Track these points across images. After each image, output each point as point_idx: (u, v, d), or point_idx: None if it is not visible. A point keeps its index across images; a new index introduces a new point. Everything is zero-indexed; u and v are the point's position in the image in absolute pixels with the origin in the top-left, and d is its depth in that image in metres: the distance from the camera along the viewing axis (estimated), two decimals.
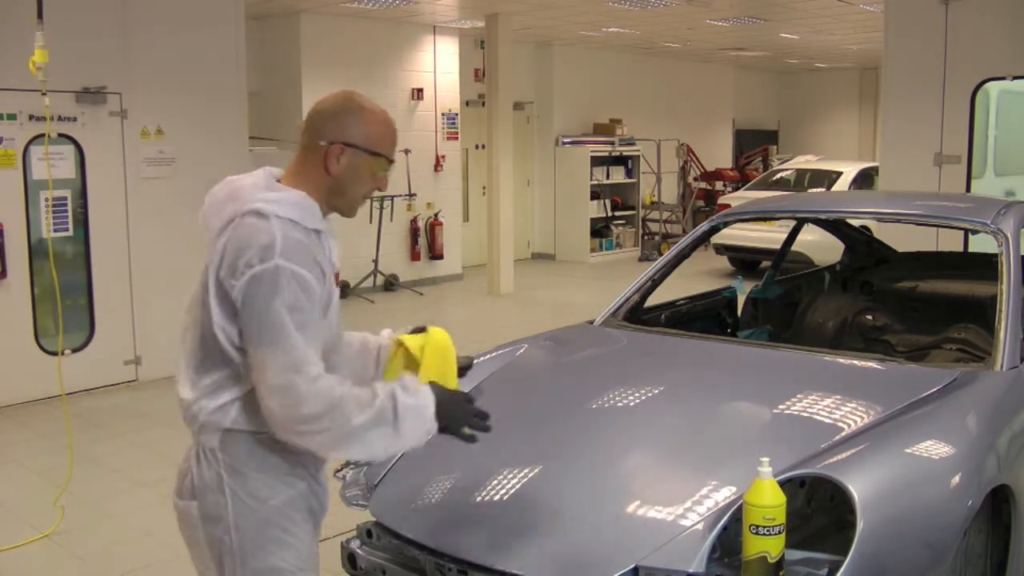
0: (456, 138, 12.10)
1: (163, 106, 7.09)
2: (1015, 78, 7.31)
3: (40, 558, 4.25)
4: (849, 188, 11.87)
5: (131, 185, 6.97)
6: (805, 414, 2.97)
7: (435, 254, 11.83)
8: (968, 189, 7.40)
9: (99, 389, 6.86)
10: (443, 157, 11.88)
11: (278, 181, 2.18)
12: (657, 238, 14.71)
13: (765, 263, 10.50)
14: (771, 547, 2.18)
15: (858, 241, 5.37)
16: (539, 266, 13.58)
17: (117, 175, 6.90)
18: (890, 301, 4.84)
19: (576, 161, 13.87)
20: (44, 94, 4.43)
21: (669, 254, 4.24)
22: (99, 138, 6.78)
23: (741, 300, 4.90)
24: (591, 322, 4.05)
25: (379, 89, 11.05)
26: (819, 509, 2.59)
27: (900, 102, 7.68)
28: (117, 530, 4.54)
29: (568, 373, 3.64)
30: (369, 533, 2.87)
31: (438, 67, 11.76)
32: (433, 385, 2.14)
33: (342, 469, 3.06)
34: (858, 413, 2.90)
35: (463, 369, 2.39)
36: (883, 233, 6.02)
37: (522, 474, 2.72)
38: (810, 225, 5.23)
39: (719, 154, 17.71)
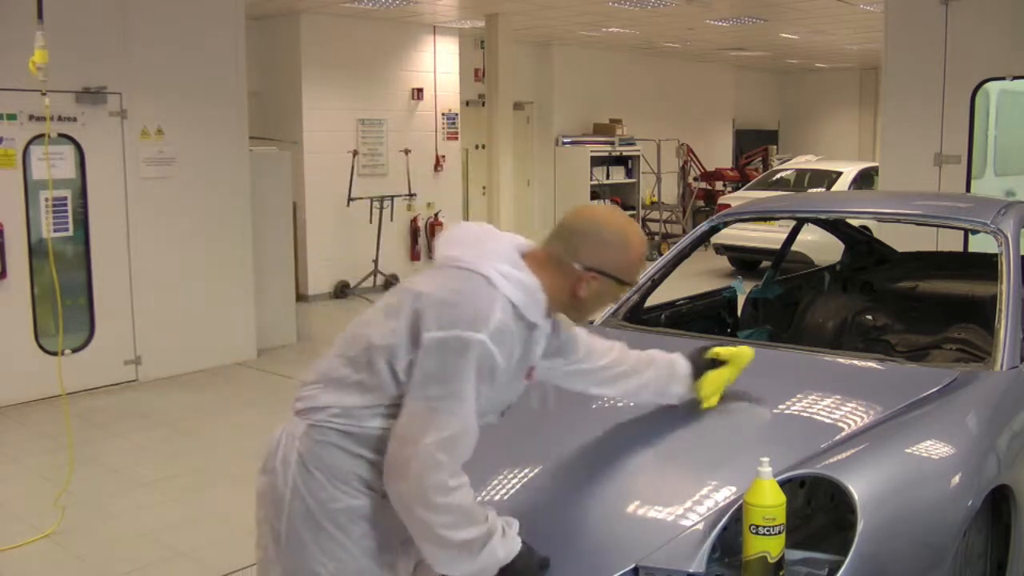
0: (456, 138, 12.09)
1: (163, 106, 7.09)
2: (1015, 78, 7.31)
3: (40, 558, 4.25)
4: (849, 188, 11.86)
5: (131, 185, 6.97)
6: (805, 414, 2.96)
7: (435, 254, 11.80)
8: (968, 189, 7.40)
9: (99, 389, 6.85)
10: (443, 157, 11.88)
11: (523, 256, 2.19)
12: (657, 238, 14.70)
13: (765, 263, 10.49)
14: (771, 547, 2.18)
15: (858, 241, 5.37)
16: None
17: (117, 175, 6.91)
18: (890, 301, 4.83)
19: (576, 161, 13.86)
20: (44, 94, 4.43)
21: (669, 254, 4.23)
22: (99, 138, 6.77)
23: (741, 300, 4.89)
24: (591, 322, 4.04)
25: (379, 89, 11.06)
26: (819, 509, 2.59)
27: (900, 102, 7.68)
28: (117, 530, 4.54)
29: None
30: None
31: (438, 67, 11.76)
32: (525, 544, 2.15)
33: None
34: (858, 413, 2.90)
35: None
36: (883, 233, 6.01)
37: (522, 474, 2.71)
38: (810, 225, 5.23)
39: (719, 154, 17.71)
